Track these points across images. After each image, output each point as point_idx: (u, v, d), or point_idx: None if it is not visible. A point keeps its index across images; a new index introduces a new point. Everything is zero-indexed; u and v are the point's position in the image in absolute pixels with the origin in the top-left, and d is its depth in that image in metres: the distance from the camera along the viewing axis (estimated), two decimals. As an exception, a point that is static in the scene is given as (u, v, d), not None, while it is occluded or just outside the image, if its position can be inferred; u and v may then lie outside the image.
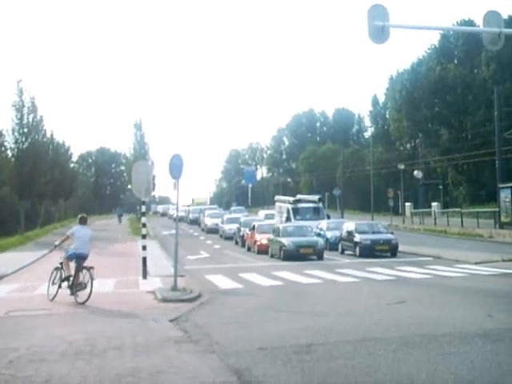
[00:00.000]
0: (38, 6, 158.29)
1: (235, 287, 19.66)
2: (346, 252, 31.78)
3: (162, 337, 11.32)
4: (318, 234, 33.83)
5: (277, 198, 49.37)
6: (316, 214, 41.37)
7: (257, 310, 14.79)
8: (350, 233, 31.74)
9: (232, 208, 69.26)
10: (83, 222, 17.77)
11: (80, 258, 16.74)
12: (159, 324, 12.90)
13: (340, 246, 32.63)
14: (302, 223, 35.71)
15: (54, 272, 17.21)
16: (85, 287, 16.20)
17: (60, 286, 16.77)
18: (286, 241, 29.76)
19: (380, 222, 38.00)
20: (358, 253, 30.30)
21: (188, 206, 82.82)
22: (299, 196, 48.75)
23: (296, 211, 41.35)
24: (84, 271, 16.44)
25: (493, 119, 49.03)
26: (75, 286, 16.36)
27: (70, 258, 16.97)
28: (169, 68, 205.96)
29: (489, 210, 47.65)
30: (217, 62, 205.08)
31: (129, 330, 12.25)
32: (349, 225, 33.37)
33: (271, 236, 31.91)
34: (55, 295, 16.60)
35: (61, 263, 17.15)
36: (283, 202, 44.79)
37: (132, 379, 8.33)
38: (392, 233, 32.65)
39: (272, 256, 30.87)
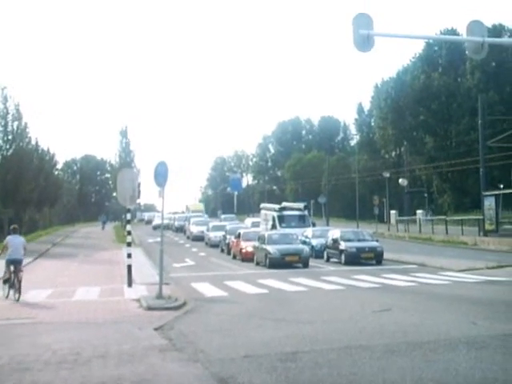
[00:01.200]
0: (24, 13, 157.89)
1: (220, 295, 19.63)
2: (332, 260, 31.63)
3: (146, 345, 11.28)
4: (304, 242, 33.83)
5: (262, 205, 49.45)
6: (301, 221, 41.39)
7: (242, 317, 14.78)
8: (335, 240, 31.56)
9: (222, 216, 68.49)
10: (15, 231, 20.14)
11: (15, 263, 18.87)
12: (144, 332, 12.86)
13: (325, 254, 32.51)
14: (288, 231, 35.76)
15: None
16: (16, 287, 18.64)
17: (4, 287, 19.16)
18: (271, 248, 29.63)
19: (365, 230, 38.13)
20: (343, 260, 30.05)
21: (174, 213, 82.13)
22: (284, 204, 48.80)
23: (281, 219, 41.42)
24: (17, 273, 18.71)
25: (477, 127, 49.39)
26: (15, 286, 18.66)
27: (6, 263, 19.07)
28: (155, 76, 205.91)
29: (473, 218, 47.90)
30: (202, 70, 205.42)
31: (114, 338, 12.20)
32: (334, 232, 33.23)
33: (256, 243, 31.79)
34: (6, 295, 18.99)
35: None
36: (269, 210, 44.87)
37: (116, 388, 8.30)
38: (377, 240, 32.62)
39: (257, 264, 30.75)
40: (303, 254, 29.58)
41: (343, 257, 30.20)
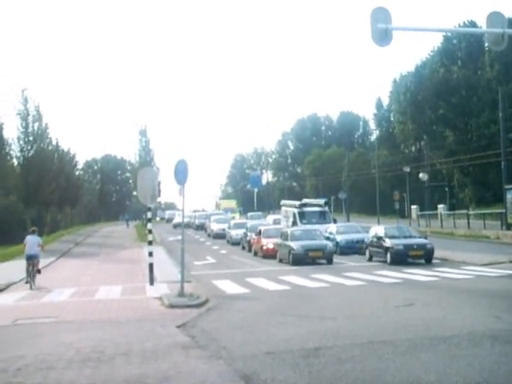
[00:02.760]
0: (43, 14, 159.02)
1: (242, 292, 19.64)
2: (375, 258, 29.52)
3: (169, 343, 11.31)
4: (327, 238, 33.25)
5: (282, 202, 49.22)
6: (322, 217, 41.12)
7: (264, 314, 14.77)
8: (379, 238, 29.33)
9: (249, 214, 66.85)
10: (33, 232, 25.10)
11: (31, 258, 23.37)
12: (166, 330, 12.89)
13: (367, 253, 30.41)
14: (309, 227, 35.44)
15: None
16: (34, 277, 23.18)
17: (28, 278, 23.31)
18: (294, 245, 29.37)
19: (408, 226, 36.97)
20: (388, 259, 27.63)
21: (195, 211, 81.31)
22: (305, 200, 48.58)
23: (302, 215, 41.15)
24: (33, 266, 23.28)
25: (497, 120, 48.91)
26: (31, 277, 23.07)
27: (25, 258, 23.73)
28: (173, 74, 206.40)
29: (495, 212, 47.46)
30: (221, 68, 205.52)
31: (136, 336, 12.25)
32: (377, 229, 31.30)
33: (279, 240, 31.57)
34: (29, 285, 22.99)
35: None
36: (289, 207, 44.58)
37: (140, 385, 8.32)
38: (426, 237, 30.56)
39: (280, 261, 30.53)
40: (327, 250, 29.29)
41: (389, 255, 27.77)
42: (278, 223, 44.84)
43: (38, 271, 23.79)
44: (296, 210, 41.87)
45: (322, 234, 32.34)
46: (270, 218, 54.19)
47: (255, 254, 35.60)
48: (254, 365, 9.16)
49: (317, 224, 37.81)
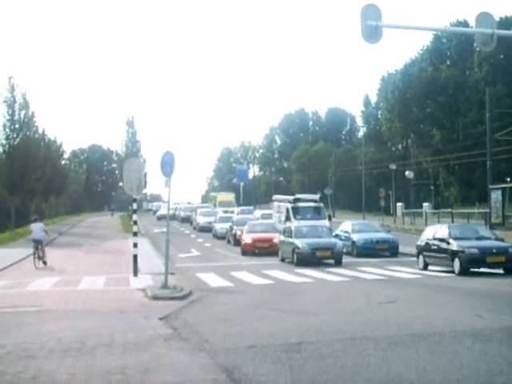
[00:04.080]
0: (32, 2, 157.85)
1: (226, 285, 19.67)
2: (432, 267, 23.33)
3: (151, 334, 11.31)
4: (336, 236, 30.30)
5: (275, 197, 47.82)
6: (317, 213, 39.60)
7: (247, 308, 14.80)
8: (441, 239, 22.87)
9: (239, 208, 63.10)
10: (36, 220, 29.49)
11: (36, 241, 27.32)
12: (149, 321, 12.88)
13: (421, 259, 23.87)
14: (313, 223, 33.45)
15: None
16: (40, 258, 27.13)
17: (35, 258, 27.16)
18: (299, 242, 26.51)
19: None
20: (457, 268, 21.43)
21: (180, 203, 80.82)
22: (298, 195, 48.04)
23: (296, 210, 39.55)
24: (39, 248, 27.29)
25: (484, 120, 49.15)
26: (37, 258, 27.00)
27: (32, 242, 27.71)
28: (161, 66, 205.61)
29: (479, 211, 47.76)
30: (209, 61, 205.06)
31: (119, 327, 12.23)
32: (436, 229, 24.73)
33: (282, 237, 29.21)
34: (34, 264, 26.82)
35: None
36: (282, 202, 43.24)
37: (121, 377, 8.31)
38: (503, 239, 25.49)
39: (283, 260, 28.19)
40: (336, 249, 26.40)
41: (457, 262, 21.41)
42: (268, 218, 44.76)
43: (44, 263, 27.11)
44: (289, 205, 40.32)
45: (330, 231, 29.92)
46: (258, 212, 53.48)
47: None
48: (236, 358, 9.18)
49: (311, 220, 36.13)
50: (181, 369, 8.72)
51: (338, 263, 25.86)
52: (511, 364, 8.70)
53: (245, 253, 32.15)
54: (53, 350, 9.97)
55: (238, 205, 69.54)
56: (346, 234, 31.43)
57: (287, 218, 38.85)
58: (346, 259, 27.02)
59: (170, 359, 9.33)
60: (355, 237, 30.71)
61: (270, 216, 45.61)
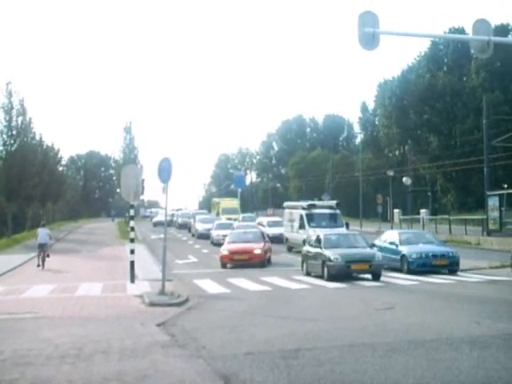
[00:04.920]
0: (29, 8, 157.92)
1: (223, 292, 19.64)
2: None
3: (149, 341, 11.28)
4: (372, 245, 26.02)
5: (286, 204, 44.45)
6: (333, 220, 36.61)
7: (244, 314, 14.77)
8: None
9: (241, 215, 59.62)
10: (43, 226, 32.12)
11: (41, 245, 29.75)
12: (146, 328, 12.85)
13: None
14: (339, 230, 30.78)
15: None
16: (43, 260, 29.50)
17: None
18: (331, 254, 22.58)
19: None
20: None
21: (178, 210, 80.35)
22: (313, 201, 42.51)
23: (310, 217, 36.55)
24: (44, 251, 29.76)
25: (481, 127, 49.26)
26: (41, 260, 29.47)
27: (37, 246, 30.04)
28: (159, 72, 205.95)
29: (477, 218, 47.79)
30: (207, 67, 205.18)
31: (116, 333, 12.20)
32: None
33: (308, 247, 25.47)
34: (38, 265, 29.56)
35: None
36: (294, 208, 40.02)
37: (118, 383, 8.29)
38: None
39: (308, 274, 24.29)
40: (374, 261, 22.54)
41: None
42: (275, 226, 42.69)
43: (48, 255, 30.03)
44: (303, 212, 37.23)
45: (364, 240, 25.38)
46: (264, 219, 50.22)
47: None
48: (234, 365, 9.17)
49: (327, 228, 32.48)
50: (178, 375, 8.71)
51: (377, 278, 22.20)
52: (509, 370, 8.69)
53: (224, 265, 28.80)
54: (50, 357, 9.94)
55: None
56: (393, 246, 26.21)
57: (301, 226, 36.65)
58: (393, 275, 23.58)
59: (167, 366, 9.32)
60: (405, 249, 25.24)
61: (277, 223, 44.45)
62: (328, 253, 22.72)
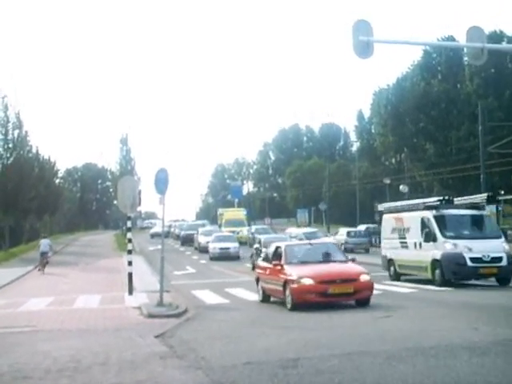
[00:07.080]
0: (24, 20, 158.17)
1: (221, 302, 19.61)
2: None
3: (147, 352, 11.24)
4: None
5: (386, 206, 30.28)
6: (480, 227, 24.27)
7: (243, 324, 14.74)
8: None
9: (253, 227, 55.41)
10: (45, 237, 37.75)
11: (43, 253, 34.46)
12: (145, 340, 12.81)
13: None
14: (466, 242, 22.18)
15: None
16: (44, 265, 34.11)
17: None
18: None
19: None
20: None
21: (175, 221, 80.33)
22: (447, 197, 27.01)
23: (442, 222, 23.35)
24: (45, 260, 34.58)
25: (477, 133, 49.37)
26: (42, 266, 34.00)
27: (40, 254, 34.67)
28: (155, 83, 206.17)
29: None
30: (203, 77, 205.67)
31: (114, 345, 12.16)
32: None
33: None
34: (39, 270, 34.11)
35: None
36: (410, 210, 25.68)
37: (117, 395, 8.27)
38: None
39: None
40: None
41: None
42: (312, 237, 35.47)
43: (47, 262, 34.41)
44: (431, 214, 23.58)
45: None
46: (296, 230, 45.39)
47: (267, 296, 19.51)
48: (233, 375, 9.13)
49: (473, 239, 22.63)
50: (177, 387, 8.67)
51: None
52: (508, 377, 8.67)
53: (300, 305, 17.68)
54: (48, 370, 9.89)
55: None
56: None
57: (427, 236, 23.36)
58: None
59: (165, 377, 9.28)
60: None
61: (313, 235, 40.15)
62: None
